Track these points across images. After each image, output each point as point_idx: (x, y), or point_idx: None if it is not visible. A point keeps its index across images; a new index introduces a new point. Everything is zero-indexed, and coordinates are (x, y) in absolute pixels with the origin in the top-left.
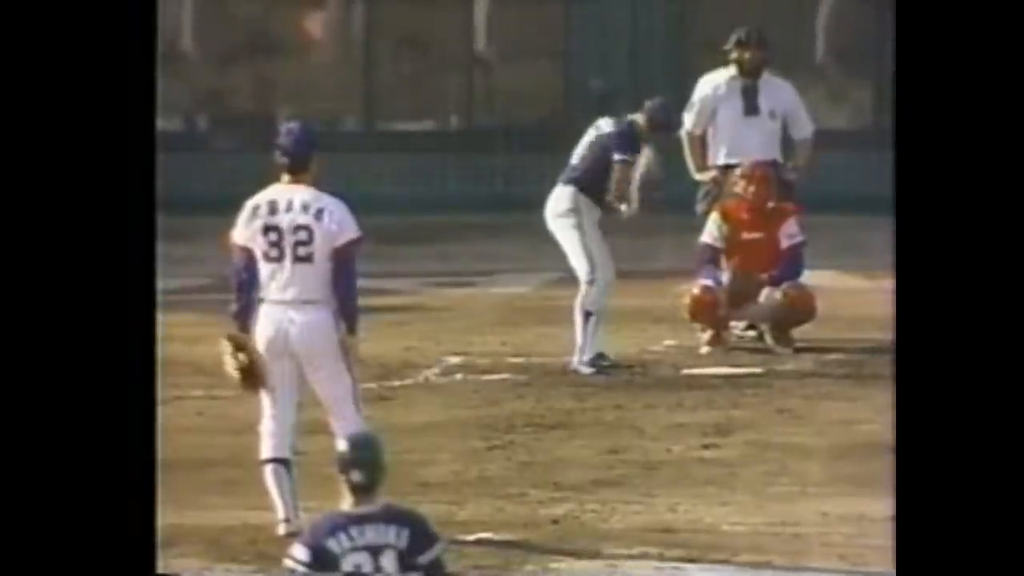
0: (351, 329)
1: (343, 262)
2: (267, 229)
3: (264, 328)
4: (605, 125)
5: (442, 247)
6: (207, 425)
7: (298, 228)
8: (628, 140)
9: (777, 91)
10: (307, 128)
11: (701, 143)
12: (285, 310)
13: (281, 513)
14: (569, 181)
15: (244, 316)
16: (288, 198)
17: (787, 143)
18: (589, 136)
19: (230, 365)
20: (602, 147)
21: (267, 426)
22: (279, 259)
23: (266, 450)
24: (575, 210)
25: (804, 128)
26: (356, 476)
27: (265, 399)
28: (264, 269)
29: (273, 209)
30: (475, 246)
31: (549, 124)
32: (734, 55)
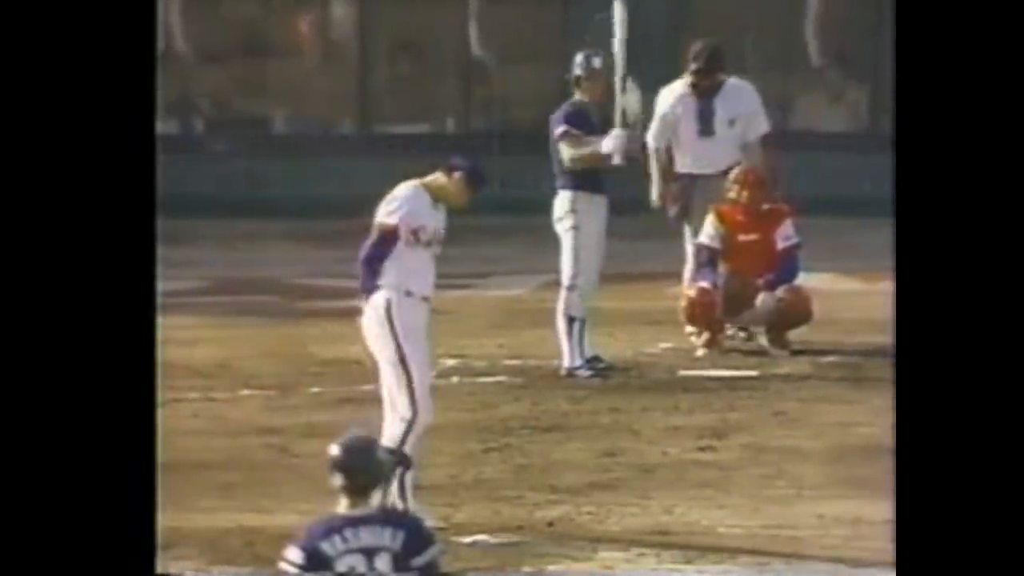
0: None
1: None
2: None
3: None
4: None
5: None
6: (204, 427)
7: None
8: (562, 115)
9: (736, 97)
10: (473, 161)
11: (668, 156)
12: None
13: None
14: (562, 185)
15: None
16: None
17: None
18: None
19: None
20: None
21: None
22: None
23: None
24: (572, 211)
25: (759, 128)
26: (341, 480)
27: None
28: None
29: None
30: (471, 248)
31: (546, 127)
32: (692, 68)
